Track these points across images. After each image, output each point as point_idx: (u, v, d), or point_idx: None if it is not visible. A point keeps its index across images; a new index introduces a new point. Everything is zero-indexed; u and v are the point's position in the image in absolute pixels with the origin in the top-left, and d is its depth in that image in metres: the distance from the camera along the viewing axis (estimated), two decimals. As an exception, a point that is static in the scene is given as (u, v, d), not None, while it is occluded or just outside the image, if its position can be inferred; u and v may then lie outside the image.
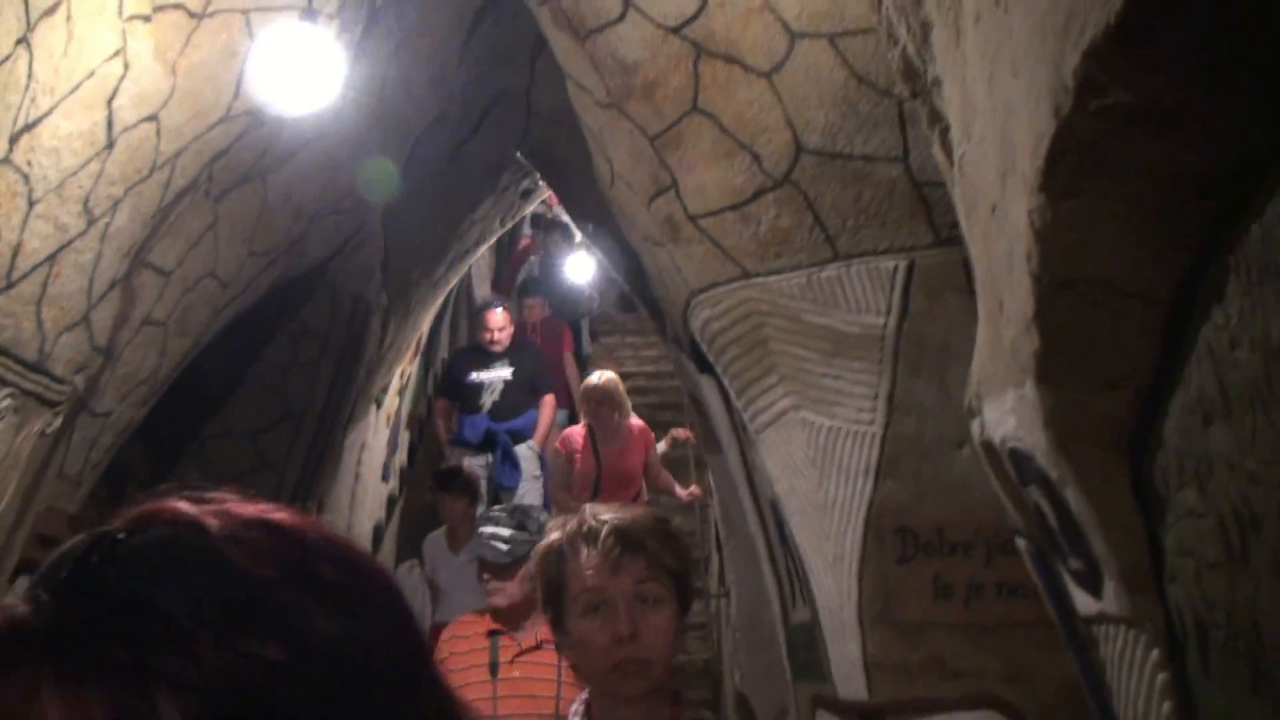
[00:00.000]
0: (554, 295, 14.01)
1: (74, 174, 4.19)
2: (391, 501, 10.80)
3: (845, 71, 4.44)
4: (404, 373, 10.69)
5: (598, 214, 7.25)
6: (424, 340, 11.27)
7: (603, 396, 9.19)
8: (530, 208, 12.40)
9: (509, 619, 4.97)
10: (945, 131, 2.39)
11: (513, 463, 9.99)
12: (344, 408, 8.51)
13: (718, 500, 9.25)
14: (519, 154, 8.10)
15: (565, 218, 15.40)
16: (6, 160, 3.88)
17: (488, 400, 10.15)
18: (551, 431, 10.49)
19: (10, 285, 4.21)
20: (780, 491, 5.09)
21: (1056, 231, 1.79)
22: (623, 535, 2.60)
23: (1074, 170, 1.70)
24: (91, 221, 4.43)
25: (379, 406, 9.90)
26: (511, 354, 10.32)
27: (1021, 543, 2.59)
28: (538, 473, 10.16)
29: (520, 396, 10.26)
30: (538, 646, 4.83)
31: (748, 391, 5.07)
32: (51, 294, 4.46)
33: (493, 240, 10.92)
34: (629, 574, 2.58)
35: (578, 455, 9.21)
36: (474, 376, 10.24)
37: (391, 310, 8.55)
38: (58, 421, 4.91)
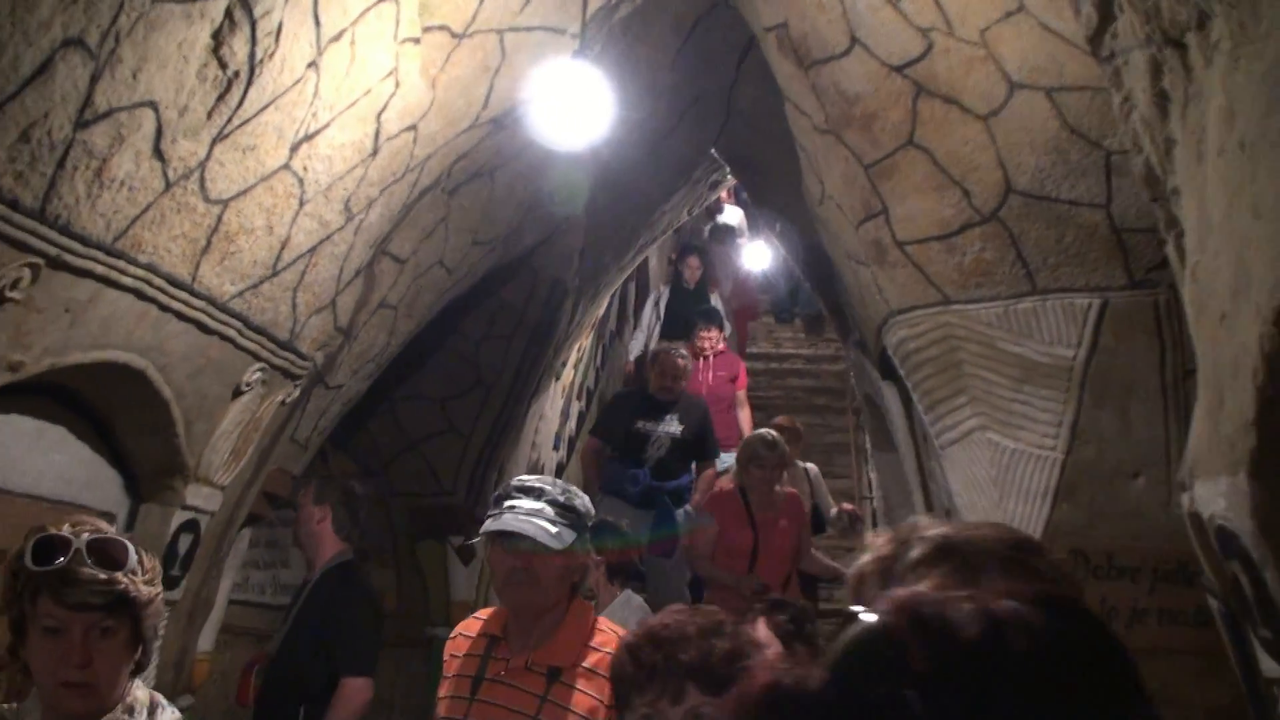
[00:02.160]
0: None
1: (341, 178, 4.60)
2: (560, 469, 11.13)
3: (1059, 122, 4.67)
4: (580, 347, 10.98)
5: (787, 211, 7.53)
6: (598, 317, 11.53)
7: (775, 461, 7.98)
8: (715, 195, 12.75)
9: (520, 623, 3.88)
10: (1180, 236, 2.64)
11: (670, 527, 8.91)
12: (531, 381, 8.87)
13: (880, 495, 9.51)
14: (714, 150, 8.37)
15: (729, 219, 15.76)
16: (286, 167, 4.29)
17: (652, 455, 9.22)
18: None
19: (275, 274, 4.64)
20: (960, 505, 5.33)
21: (1282, 358, 2.05)
22: None
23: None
24: (349, 218, 4.85)
25: (557, 379, 10.22)
26: (683, 409, 9.37)
27: (1214, 604, 2.84)
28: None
29: (685, 456, 9.40)
30: (527, 668, 3.73)
31: (937, 409, 5.32)
32: (307, 281, 4.90)
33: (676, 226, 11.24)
34: None
35: (728, 522, 7.93)
36: (640, 426, 9.29)
37: (582, 292, 8.90)
38: (296, 393, 5.36)
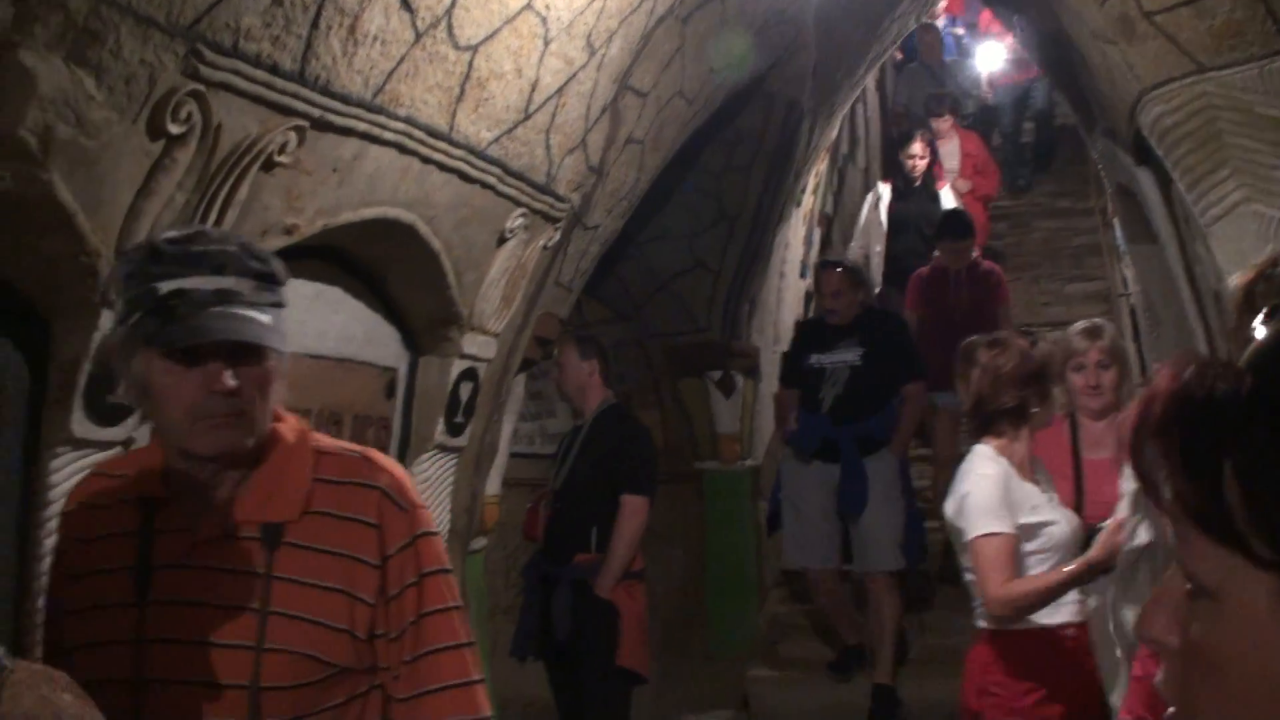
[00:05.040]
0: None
1: (581, 13, 4.56)
2: (809, 298, 11.08)
3: None
4: (817, 172, 10.83)
5: (1025, 2, 7.25)
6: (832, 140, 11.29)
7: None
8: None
9: None
10: None
11: (859, 482, 7.15)
12: (774, 210, 8.80)
13: (1139, 290, 9.19)
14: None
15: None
16: (529, 6, 4.27)
17: (828, 395, 7.37)
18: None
19: (527, 117, 4.66)
20: (1231, 284, 5.14)
21: None
22: None
23: None
24: (592, 54, 4.82)
25: (798, 206, 10.13)
26: (864, 330, 7.38)
27: None
28: (896, 494, 7.25)
29: (873, 388, 7.29)
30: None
31: (1199, 186, 5.11)
32: (558, 122, 4.91)
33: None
34: None
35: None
36: (813, 361, 7.49)
37: (817, 113, 8.75)
38: (557, 236, 5.41)
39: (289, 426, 2.30)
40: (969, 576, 4.03)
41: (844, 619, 7.56)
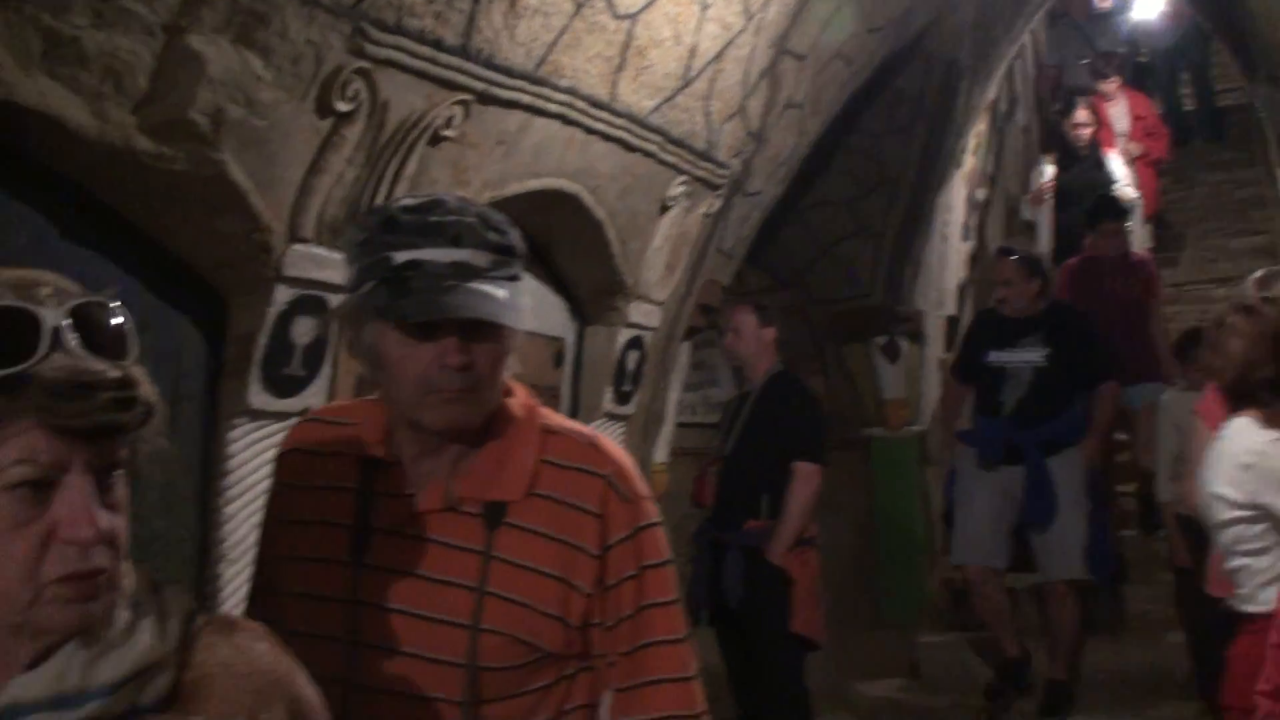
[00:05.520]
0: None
1: (739, -25, 4.58)
2: (973, 261, 10.92)
3: None
4: (977, 132, 10.65)
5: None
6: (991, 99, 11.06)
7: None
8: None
9: None
10: None
11: (1045, 490, 6.66)
12: (935, 171, 8.69)
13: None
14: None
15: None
16: (685, -29, 4.30)
17: (1009, 397, 6.82)
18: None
19: (687, 84, 4.68)
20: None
21: None
22: None
23: None
24: (749, 18, 4.81)
25: (958, 167, 9.97)
26: (1049, 326, 6.82)
27: None
28: (1083, 498, 6.71)
29: (1058, 390, 6.76)
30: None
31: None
32: (717, 88, 4.91)
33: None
34: None
35: None
36: (992, 359, 6.91)
37: (976, 71, 8.61)
38: (718, 203, 5.42)
39: (518, 402, 2.22)
40: (1242, 560, 3.74)
41: (1003, 627, 6.94)
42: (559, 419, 2.29)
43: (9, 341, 1.24)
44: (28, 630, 1.26)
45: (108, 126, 2.88)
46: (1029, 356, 6.75)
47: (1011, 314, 6.87)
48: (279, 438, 2.73)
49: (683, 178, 4.99)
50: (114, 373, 1.28)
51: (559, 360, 5.04)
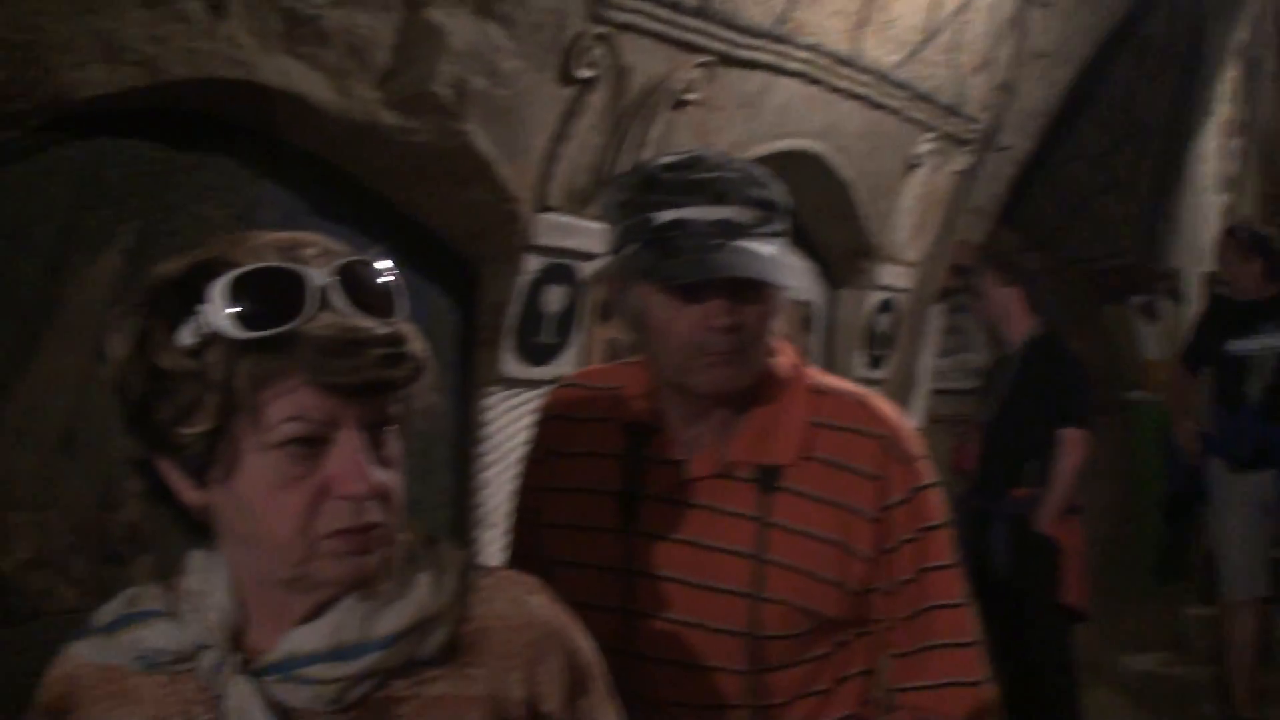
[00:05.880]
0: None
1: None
2: (1229, 212, 10.46)
3: None
4: (1231, 78, 10.21)
5: None
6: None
7: None
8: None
9: None
10: None
11: None
12: (1188, 120, 8.38)
13: None
14: None
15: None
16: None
17: (1254, 388, 6.16)
18: None
19: (932, 37, 4.55)
20: None
21: None
22: None
23: None
24: (992, -36, 4.69)
25: (1211, 115, 9.60)
26: None
27: None
28: None
29: None
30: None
31: None
32: (964, 40, 4.77)
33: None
34: None
35: None
36: (1230, 348, 6.25)
37: (1222, 12, 8.25)
38: (969, 159, 5.28)
39: (786, 362, 2.10)
40: None
41: (1243, 677, 6.27)
42: (828, 378, 2.18)
43: (276, 302, 1.25)
44: (303, 584, 1.29)
45: (352, 102, 2.91)
46: (1272, 342, 6.15)
47: (1242, 297, 6.32)
48: (533, 405, 2.72)
49: (930, 134, 4.88)
50: (382, 329, 1.30)
51: (807, 324, 4.97)
